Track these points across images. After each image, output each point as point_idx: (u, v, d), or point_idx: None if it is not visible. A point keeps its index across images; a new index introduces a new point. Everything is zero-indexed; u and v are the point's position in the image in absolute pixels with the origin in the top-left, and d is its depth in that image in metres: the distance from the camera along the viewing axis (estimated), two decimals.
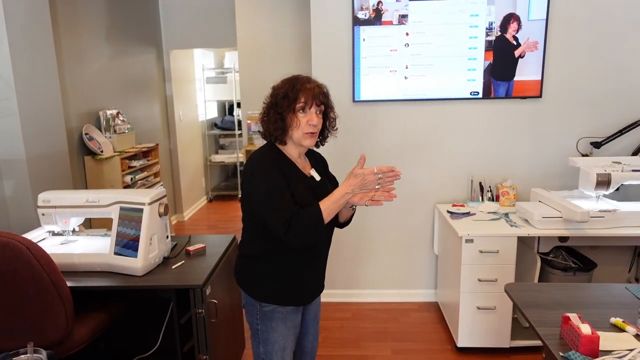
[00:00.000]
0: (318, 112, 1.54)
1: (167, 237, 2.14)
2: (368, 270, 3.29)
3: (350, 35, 2.94)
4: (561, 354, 1.32)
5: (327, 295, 3.26)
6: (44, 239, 2.26)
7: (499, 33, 2.86)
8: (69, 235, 2.27)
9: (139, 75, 4.54)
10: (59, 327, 1.77)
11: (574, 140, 3.00)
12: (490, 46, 2.88)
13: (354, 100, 3.02)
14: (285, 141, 1.56)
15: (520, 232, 2.47)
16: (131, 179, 3.80)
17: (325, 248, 1.68)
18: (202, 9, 4.99)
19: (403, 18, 2.88)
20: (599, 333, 1.33)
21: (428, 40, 2.90)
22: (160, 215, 2.04)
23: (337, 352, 2.70)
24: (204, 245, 2.28)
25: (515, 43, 2.87)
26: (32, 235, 2.22)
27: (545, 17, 2.83)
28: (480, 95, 2.95)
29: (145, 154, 4.22)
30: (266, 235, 1.54)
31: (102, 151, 3.57)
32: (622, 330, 1.44)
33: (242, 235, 1.65)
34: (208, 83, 6.40)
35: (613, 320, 1.49)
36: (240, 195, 5.92)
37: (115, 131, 3.79)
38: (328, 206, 1.46)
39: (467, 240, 2.48)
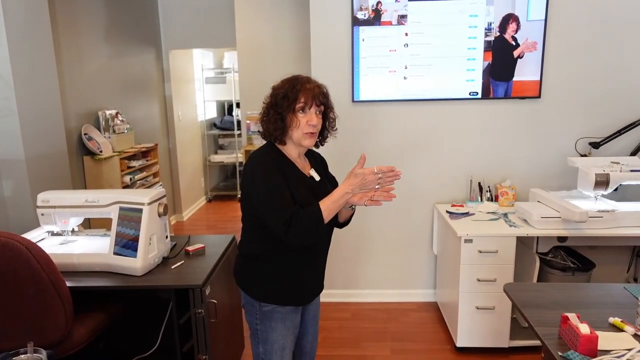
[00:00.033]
0: (318, 113, 1.54)
1: (167, 237, 2.14)
2: (367, 270, 3.30)
3: (350, 35, 2.94)
4: (560, 353, 1.32)
5: (327, 295, 3.26)
6: (43, 239, 2.26)
7: (498, 33, 2.87)
8: (68, 235, 2.27)
9: (138, 75, 4.53)
10: (58, 327, 1.77)
11: (572, 140, 3.00)
12: (489, 46, 2.88)
13: (353, 101, 3.02)
14: (285, 141, 1.56)
15: (519, 232, 2.48)
16: (130, 179, 3.80)
17: (324, 248, 1.68)
18: (202, 9, 4.99)
19: (402, 18, 2.88)
20: (598, 333, 1.33)
21: (427, 41, 2.90)
22: (159, 215, 2.04)
23: (336, 352, 2.70)
24: (203, 245, 2.28)
25: (514, 43, 2.87)
26: (32, 236, 2.22)
27: (544, 18, 2.83)
28: (479, 96, 2.95)
29: (145, 154, 4.21)
30: (266, 235, 1.54)
31: (101, 151, 3.57)
32: (620, 330, 1.45)
33: (242, 235, 1.65)
34: (207, 83, 6.40)
35: (612, 320, 1.49)
36: (239, 196, 5.93)
37: (114, 131, 3.79)
38: (328, 206, 1.46)
39: (466, 240, 2.49)
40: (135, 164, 3.96)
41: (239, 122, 6.18)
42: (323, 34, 2.99)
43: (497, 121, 3.02)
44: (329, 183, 1.72)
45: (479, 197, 3.03)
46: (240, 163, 6.42)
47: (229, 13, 4.86)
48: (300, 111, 1.51)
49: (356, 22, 2.91)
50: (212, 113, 6.81)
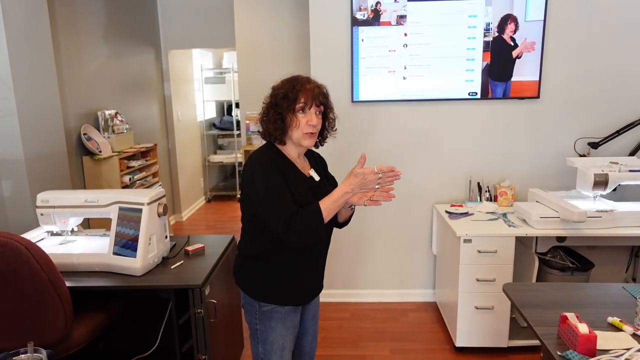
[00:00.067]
0: (317, 113, 1.54)
1: (166, 237, 2.14)
2: (367, 270, 3.30)
3: (349, 35, 2.94)
4: (559, 353, 1.32)
5: (326, 295, 3.26)
6: (42, 239, 2.26)
7: (497, 34, 2.87)
8: (68, 236, 2.27)
9: (138, 75, 4.53)
10: (57, 327, 1.77)
11: (571, 140, 3.01)
12: (488, 47, 2.89)
13: (352, 101, 3.02)
14: (285, 141, 1.57)
15: (518, 232, 2.48)
16: (129, 179, 3.80)
17: (324, 248, 1.68)
18: (201, 9, 4.99)
19: (401, 19, 2.88)
20: (597, 332, 1.34)
21: (426, 41, 2.90)
22: (159, 216, 2.05)
23: (335, 352, 2.71)
24: (202, 245, 2.28)
25: (512, 44, 2.88)
26: (31, 236, 2.22)
27: (542, 18, 2.84)
28: (478, 96, 2.96)
29: (144, 154, 4.21)
30: (265, 235, 1.54)
31: (100, 151, 3.57)
32: (619, 329, 1.45)
33: (242, 235, 1.65)
34: (206, 83, 6.40)
35: (610, 319, 1.49)
36: (239, 196, 5.93)
37: (113, 131, 3.79)
38: (328, 205, 1.46)
39: (465, 240, 2.49)
40: (135, 164, 3.96)
41: (238, 122, 6.18)
42: (322, 34, 2.99)
43: (496, 121, 3.02)
44: (329, 183, 1.72)
45: (478, 197, 3.04)
46: (240, 163, 6.42)
47: (229, 13, 4.86)
48: (300, 111, 1.51)
49: (355, 22, 2.91)
50: (211, 113, 6.81)
